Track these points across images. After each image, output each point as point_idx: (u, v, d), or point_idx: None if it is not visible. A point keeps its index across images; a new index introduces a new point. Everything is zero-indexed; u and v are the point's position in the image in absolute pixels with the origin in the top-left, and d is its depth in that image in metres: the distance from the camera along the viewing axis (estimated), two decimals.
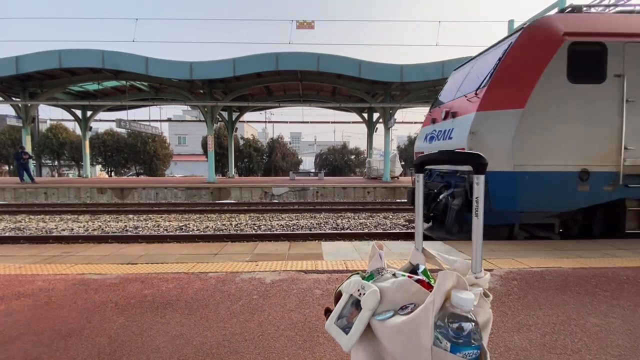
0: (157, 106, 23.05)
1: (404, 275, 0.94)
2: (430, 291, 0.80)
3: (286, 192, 13.07)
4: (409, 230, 6.34)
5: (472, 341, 0.71)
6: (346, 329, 0.91)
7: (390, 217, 8.36)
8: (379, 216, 8.44)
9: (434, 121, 5.25)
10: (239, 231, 6.86)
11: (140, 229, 7.07)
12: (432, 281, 0.90)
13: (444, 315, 0.74)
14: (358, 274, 1.01)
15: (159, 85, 16.57)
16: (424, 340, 0.75)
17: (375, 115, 19.74)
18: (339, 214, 8.82)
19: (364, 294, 0.90)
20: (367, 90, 15.90)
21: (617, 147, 3.96)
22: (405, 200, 10.08)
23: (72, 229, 7.10)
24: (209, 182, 15.00)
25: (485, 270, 0.85)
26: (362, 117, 20.71)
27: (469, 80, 4.81)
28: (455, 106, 4.69)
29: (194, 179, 19.08)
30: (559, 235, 4.28)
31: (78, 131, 23.38)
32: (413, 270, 1.03)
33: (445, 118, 4.73)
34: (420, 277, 0.94)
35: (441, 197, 4.66)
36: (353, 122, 25.40)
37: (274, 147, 30.72)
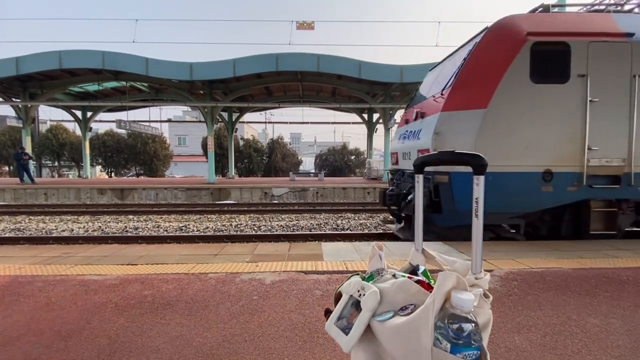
0: (157, 107, 23.06)
1: (404, 276, 0.94)
2: (430, 292, 0.80)
3: (286, 193, 13.07)
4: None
5: (472, 342, 0.71)
6: (346, 330, 0.90)
7: (390, 217, 8.36)
8: (379, 216, 8.44)
9: (407, 122, 5.25)
10: (239, 232, 6.86)
11: (140, 230, 7.07)
12: (432, 282, 0.90)
13: (444, 316, 0.74)
14: (358, 274, 1.01)
15: (159, 86, 16.59)
16: (424, 341, 0.75)
17: (375, 116, 19.75)
18: (339, 215, 8.81)
19: (364, 294, 0.90)
20: (367, 91, 15.91)
21: (580, 147, 3.93)
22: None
23: (72, 230, 7.10)
24: (209, 182, 15.00)
25: (485, 270, 0.85)
26: (362, 118, 20.73)
27: (438, 81, 4.81)
28: (424, 107, 4.68)
29: (194, 180, 19.08)
30: (524, 236, 4.25)
31: (78, 132, 23.41)
32: (413, 271, 1.03)
33: (415, 118, 4.72)
34: (420, 277, 0.94)
35: (410, 197, 4.66)
36: (353, 123, 25.42)
37: (274, 147, 30.72)
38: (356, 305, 0.91)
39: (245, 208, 9.76)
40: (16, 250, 3.86)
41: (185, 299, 2.28)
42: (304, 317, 2.02)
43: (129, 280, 2.64)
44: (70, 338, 1.79)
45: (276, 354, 1.64)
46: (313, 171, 33.35)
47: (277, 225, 7.49)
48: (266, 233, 6.57)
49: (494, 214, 4.01)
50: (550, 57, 3.96)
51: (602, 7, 4.88)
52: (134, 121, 19.38)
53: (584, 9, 5.18)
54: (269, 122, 27.88)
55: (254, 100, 18.57)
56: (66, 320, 1.99)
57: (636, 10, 4.96)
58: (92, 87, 16.83)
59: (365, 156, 24.45)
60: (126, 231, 6.99)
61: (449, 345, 0.72)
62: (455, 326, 0.72)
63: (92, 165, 25.30)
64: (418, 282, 0.89)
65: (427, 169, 4.32)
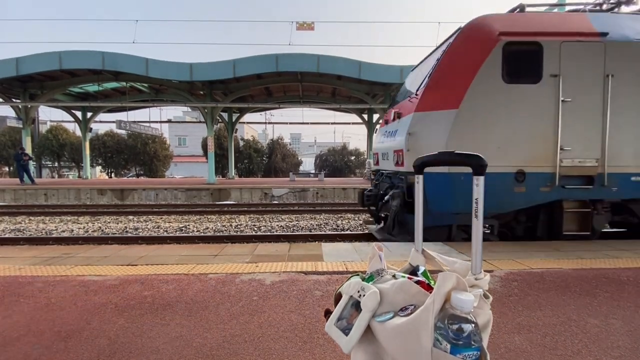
0: (157, 107, 23.04)
1: (403, 277, 0.94)
2: (430, 292, 0.80)
3: (286, 193, 13.07)
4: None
5: (472, 342, 0.71)
6: (346, 331, 0.91)
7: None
8: None
9: (387, 122, 5.26)
10: (239, 232, 6.86)
11: (140, 230, 7.07)
12: (432, 282, 0.90)
13: (443, 317, 0.74)
14: (358, 275, 1.01)
15: (159, 87, 16.60)
16: (424, 341, 0.75)
17: (375, 117, 19.74)
18: (339, 215, 8.81)
19: (364, 295, 0.90)
20: (367, 91, 15.91)
21: (553, 147, 3.91)
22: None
23: (72, 230, 7.10)
24: (209, 183, 15.00)
25: (485, 271, 0.85)
26: (362, 118, 20.73)
27: (416, 81, 4.81)
28: (402, 107, 4.68)
29: (194, 180, 19.08)
30: (497, 237, 4.21)
31: (78, 132, 23.42)
32: (413, 271, 1.03)
33: (394, 119, 4.72)
34: (420, 278, 0.94)
35: (386, 197, 4.64)
36: (353, 123, 25.42)
37: (274, 148, 30.73)
38: (356, 306, 0.91)
39: (245, 208, 9.76)
40: (16, 250, 3.86)
41: (185, 300, 2.28)
42: (304, 318, 2.02)
43: (129, 281, 2.64)
44: (70, 339, 1.79)
45: (276, 354, 1.64)
46: (313, 172, 33.36)
47: (277, 225, 7.48)
48: (266, 234, 6.56)
49: (467, 214, 3.97)
50: (522, 57, 3.94)
51: (580, 7, 4.83)
52: (134, 122, 19.41)
53: (557, 9, 5.15)
54: (269, 123, 27.87)
55: (254, 101, 18.57)
56: (66, 320, 1.99)
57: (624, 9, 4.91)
58: (92, 88, 16.84)
59: (365, 156, 24.46)
60: (126, 232, 6.98)
61: (448, 346, 0.72)
62: (455, 327, 0.72)
63: (92, 166, 25.30)
64: (418, 282, 0.89)
65: (401, 169, 4.34)
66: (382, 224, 5.49)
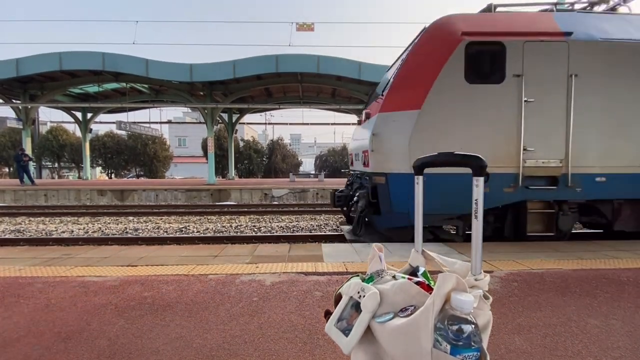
0: (157, 108, 23.02)
1: (403, 277, 0.94)
2: (430, 293, 0.80)
3: (286, 194, 13.07)
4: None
5: (472, 343, 0.71)
6: (346, 331, 0.91)
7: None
8: None
9: (359, 122, 5.27)
10: (239, 233, 6.85)
11: (140, 231, 7.07)
12: (432, 283, 0.90)
13: (443, 318, 0.74)
14: (358, 276, 1.01)
15: (159, 87, 16.60)
16: (424, 342, 0.75)
17: None
18: (339, 216, 8.81)
19: (364, 296, 0.90)
20: (367, 92, 15.88)
21: (516, 148, 3.89)
22: None
23: (72, 231, 7.10)
24: (209, 183, 15.00)
25: (485, 272, 0.85)
26: None
27: (384, 82, 4.81)
28: (371, 108, 4.68)
29: (194, 181, 19.08)
30: (462, 237, 4.18)
31: (78, 133, 23.40)
32: (413, 272, 1.03)
33: (365, 119, 4.73)
34: (420, 279, 0.94)
35: (355, 198, 4.64)
36: (353, 124, 25.40)
37: (274, 148, 30.73)
38: (356, 307, 0.91)
39: (245, 209, 9.76)
40: (16, 251, 3.86)
41: (185, 301, 2.28)
42: (304, 319, 2.02)
43: (129, 282, 2.64)
44: (70, 339, 1.79)
45: (276, 355, 1.64)
46: (313, 172, 33.36)
47: (277, 226, 7.48)
48: (266, 234, 6.56)
49: (430, 215, 3.92)
50: (485, 57, 3.93)
51: (548, 7, 4.77)
52: (134, 122, 19.39)
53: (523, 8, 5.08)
54: (269, 123, 27.85)
55: (254, 102, 18.58)
56: (66, 321, 1.99)
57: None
58: (92, 89, 16.85)
59: None
60: (126, 232, 6.98)
61: (448, 347, 0.72)
62: (455, 327, 0.72)
63: (92, 167, 25.29)
64: (418, 283, 0.89)
65: (367, 169, 4.33)
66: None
